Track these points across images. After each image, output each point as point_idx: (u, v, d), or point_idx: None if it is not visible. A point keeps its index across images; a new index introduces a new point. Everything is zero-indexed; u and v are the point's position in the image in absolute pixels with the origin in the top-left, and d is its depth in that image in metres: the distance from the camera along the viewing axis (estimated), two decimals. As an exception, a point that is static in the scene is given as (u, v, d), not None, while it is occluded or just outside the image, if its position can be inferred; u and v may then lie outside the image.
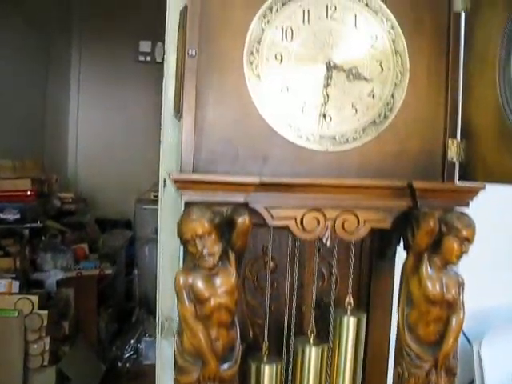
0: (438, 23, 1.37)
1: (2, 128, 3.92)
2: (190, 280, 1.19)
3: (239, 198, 1.20)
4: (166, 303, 1.70)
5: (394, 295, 1.53)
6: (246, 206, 1.21)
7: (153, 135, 4.81)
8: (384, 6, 1.33)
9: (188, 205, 1.19)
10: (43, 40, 4.76)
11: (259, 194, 1.21)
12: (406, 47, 1.34)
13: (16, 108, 4.17)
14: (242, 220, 1.16)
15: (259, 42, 1.26)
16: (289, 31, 1.28)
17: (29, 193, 3.62)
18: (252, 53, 1.26)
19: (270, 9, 1.27)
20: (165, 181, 1.58)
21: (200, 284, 1.19)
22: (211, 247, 1.16)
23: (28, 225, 3.56)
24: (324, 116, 1.29)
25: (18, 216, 3.50)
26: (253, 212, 1.21)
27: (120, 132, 5.10)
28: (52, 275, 3.49)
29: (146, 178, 4.55)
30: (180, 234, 1.17)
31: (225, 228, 1.20)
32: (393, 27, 1.33)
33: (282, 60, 1.27)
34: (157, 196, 4.75)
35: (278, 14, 1.27)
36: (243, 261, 1.33)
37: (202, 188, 1.18)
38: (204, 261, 1.17)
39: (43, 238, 3.72)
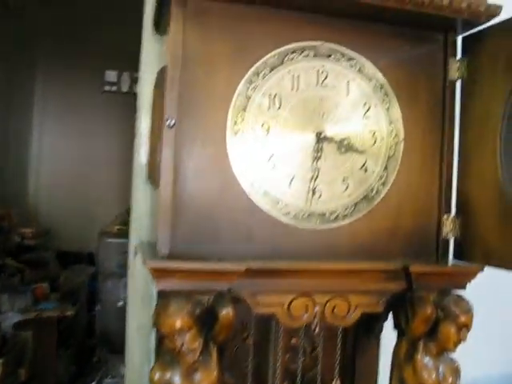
0: (434, 91, 1.29)
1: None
2: (168, 376, 1.07)
3: (223, 286, 1.08)
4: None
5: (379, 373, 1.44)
6: (228, 291, 1.10)
7: (117, 166, 4.69)
8: (378, 73, 1.23)
9: (164, 294, 1.06)
10: (6, 71, 4.58)
11: (244, 280, 1.09)
12: (400, 116, 1.25)
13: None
14: (226, 313, 1.05)
15: (245, 110, 1.15)
16: (277, 99, 1.17)
17: (-14, 229, 3.44)
18: (236, 122, 1.15)
19: (257, 74, 1.16)
20: (135, 248, 1.45)
21: (178, 381, 1.07)
22: (191, 343, 1.04)
23: (-16, 264, 3.37)
24: (313, 191, 1.19)
25: (-27, 255, 3.30)
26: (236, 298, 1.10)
27: (83, 163, 4.93)
28: (9, 318, 3.28)
29: (110, 210, 4.40)
30: (156, 327, 1.05)
31: (206, 318, 1.08)
32: (387, 95, 1.24)
33: (268, 130, 1.17)
34: (120, 229, 4.59)
35: (266, 79, 1.17)
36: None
37: (181, 276, 1.05)
38: (183, 357, 1.04)
39: (1, 276, 3.52)
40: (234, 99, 1.15)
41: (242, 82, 1.16)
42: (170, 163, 1.12)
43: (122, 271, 4.36)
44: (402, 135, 1.26)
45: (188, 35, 1.13)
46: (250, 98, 1.16)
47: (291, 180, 1.18)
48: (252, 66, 1.17)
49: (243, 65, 1.17)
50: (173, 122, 1.11)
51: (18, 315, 3.29)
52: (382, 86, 1.24)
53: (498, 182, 1.17)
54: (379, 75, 1.24)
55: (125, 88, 4.75)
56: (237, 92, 1.16)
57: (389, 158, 1.24)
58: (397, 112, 1.25)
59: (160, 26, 1.37)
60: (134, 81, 4.61)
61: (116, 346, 4.07)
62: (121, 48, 4.08)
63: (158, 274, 1.05)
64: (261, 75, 1.17)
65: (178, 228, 1.13)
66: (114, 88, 4.83)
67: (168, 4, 1.15)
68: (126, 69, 4.71)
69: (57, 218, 4.85)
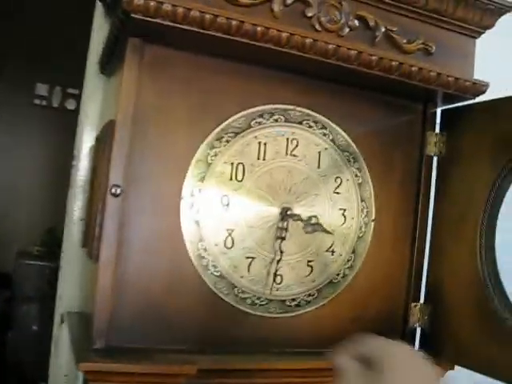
0: (409, 167, 1.18)
1: None
2: None
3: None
4: None
5: None
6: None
7: (41, 183, 4.40)
8: (352, 144, 1.11)
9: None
10: None
11: (194, 381, 0.93)
12: (372, 194, 1.13)
13: None
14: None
15: (203, 180, 1.00)
16: (240, 168, 1.02)
17: None
18: (193, 193, 0.99)
19: (220, 138, 1.01)
20: (62, 317, 1.25)
21: None
22: None
23: None
24: (274, 275, 1.04)
25: None
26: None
27: (6, 177, 4.58)
28: None
29: (28, 228, 4.10)
30: None
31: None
32: (360, 169, 1.12)
33: (228, 204, 1.01)
34: (40, 251, 4.28)
35: (229, 145, 1.02)
36: None
37: (121, 380, 0.88)
38: None
39: None
40: (191, 166, 1.00)
41: (202, 146, 1.01)
42: (113, 238, 0.94)
43: (39, 295, 4.06)
44: (373, 215, 1.13)
45: (142, 88, 0.97)
46: (210, 165, 1.00)
47: (250, 262, 1.03)
48: (214, 128, 1.02)
49: (204, 126, 1.01)
50: (119, 190, 0.93)
51: None
52: (355, 159, 1.12)
53: (477, 280, 1.06)
54: (353, 147, 1.12)
55: (56, 103, 4.46)
56: (195, 158, 1.00)
57: (358, 239, 1.12)
58: (369, 188, 1.13)
59: (107, 67, 1.19)
60: (66, 96, 4.34)
61: (28, 376, 3.80)
62: (52, 61, 3.84)
63: (92, 376, 0.87)
64: (224, 140, 1.02)
65: (119, 315, 0.96)
66: (45, 102, 4.52)
67: (121, 49, 0.98)
68: (58, 83, 4.42)
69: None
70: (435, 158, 1.19)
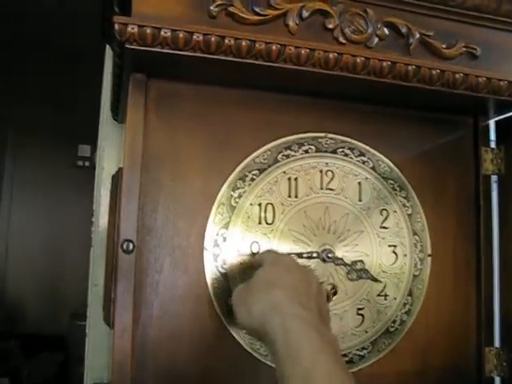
0: (465, 190, 1.02)
1: None
2: None
3: None
4: None
5: None
6: None
7: (88, 245, 4.36)
8: (396, 170, 0.97)
9: None
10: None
11: None
12: (426, 225, 0.98)
13: None
14: None
15: (227, 227, 0.87)
16: (269, 209, 0.89)
17: None
18: (217, 243, 0.86)
19: (243, 179, 0.88)
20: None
21: None
22: None
23: None
24: (320, 329, 0.89)
25: None
26: None
27: (55, 240, 4.59)
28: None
29: (82, 290, 4.04)
30: None
31: None
32: (408, 198, 0.97)
33: (259, 251, 0.88)
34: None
35: (255, 185, 0.89)
36: None
37: None
38: None
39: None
40: (213, 212, 0.87)
41: (224, 188, 0.88)
42: (129, 300, 0.82)
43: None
44: (428, 249, 0.98)
45: (150, 128, 0.86)
46: (234, 208, 0.87)
47: (290, 316, 0.88)
48: (236, 167, 0.89)
49: (224, 165, 0.89)
50: (131, 246, 0.81)
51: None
52: (401, 187, 0.97)
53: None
54: (397, 173, 0.97)
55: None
56: (217, 202, 0.88)
57: (414, 278, 0.96)
58: (421, 219, 0.98)
59: (117, 112, 1.09)
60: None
61: None
62: (93, 122, 3.83)
63: None
64: (248, 179, 0.89)
65: (139, 388, 0.82)
66: (87, 163, 4.55)
67: (125, 88, 0.88)
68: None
69: (26, 299, 4.48)
70: (494, 178, 1.03)
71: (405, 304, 0.96)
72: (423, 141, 1.01)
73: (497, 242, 1.02)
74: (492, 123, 1.05)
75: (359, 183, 0.95)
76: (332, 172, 0.93)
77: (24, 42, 4.14)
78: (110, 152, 1.20)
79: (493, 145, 1.04)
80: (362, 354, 0.93)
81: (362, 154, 0.95)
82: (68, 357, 4.17)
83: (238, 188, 0.88)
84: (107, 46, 1.19)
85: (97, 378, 1.14)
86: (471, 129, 1.05)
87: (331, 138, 0.94)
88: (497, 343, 1.01)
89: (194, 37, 0.76)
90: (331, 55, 0.82)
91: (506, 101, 0.95)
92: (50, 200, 4.59)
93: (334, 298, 0.90)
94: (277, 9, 0.82)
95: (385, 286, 0.94)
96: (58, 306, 4.40)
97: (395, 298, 0.95)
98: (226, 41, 0.78)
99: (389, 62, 0.85)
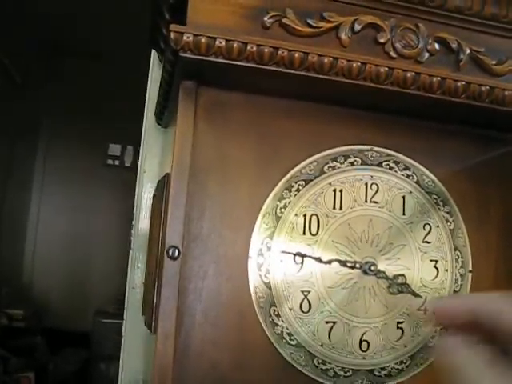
0: (509, 208, 1.01)
1: None
2: None
3: None
4: None
5: None
6: None
7: (116, 244, 4.41)
8: (440, 185, 0.96)
9: None
10: (6, 143, 4.38)
11: None
12: (467, 240, 0.97)
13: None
14: None
15: (272, 237, 0.87)
16: (313, 220, 0.89)
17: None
18: (261, 252, 0.87)
19: (289, 189, 0.89)
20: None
21: None
22: None
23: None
24: (360, 341, 0.89)
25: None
26: None
27: (82, 238, 4.65)
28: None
29: (107, 288, 4.13)
30: None
31: None
32: (451, 213, 0.97)
33: (303, 262, 0.88)
34: (118, 309, 4.26)
35: (300, 195, 0.89)
36: None
37: None
38: None
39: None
40: (258, 221, 0.88)
41: (270, 198, 0.89)
42: (172, 307, 0.82)
43: (117, 353, 4.00)
44: (469, 265, 0.97)
45: (199, 136, 0.87)
46: (279, 218, 0.88)
47: (331, 327, 0.89)
48: (282, 177, 0.90)
49: (271, 175, 0.90)
50: (176, 252, 0.82)
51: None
52: (445, 203, 0.97)
53: None
54: (441, 188, 0.97)
55: (128, 162, 4.53)
56: (262, 211, 0.88)
57: (454, 292, 0.96)
58: (463, 235, 0.97)
59: (163, 117, 1.10)
60: (138, 155, 4.39)
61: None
62: (124, 122, 3.90)
63: None
64: (294, 189, 0.89)
65: (180, 393, 0.83)
66: (117, 162, 4.60)
67: (174, 95, 0.89)
68: (129, 143, 4.51)
69: (52, 295, 4.55)
70: (538, 195, 1.02)
71: (445, 320, 0.95)
72: (468, 156, 1.01)
73: (539, 261, 1.01)
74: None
75: (403, 197, 0.95)
76: (377, 185, 0.93)
77: (65, 44, 4.23)
78: (153, 155, 1.21)
79: (537, 161, 1.03)
80: (400, 367, 0.93)
81: (406, 168, 0.95)
82: (92, 353, 4.21)
83: (284, 198, 0.89)
84: (153, 52, 1.20)
85: (131, 380, 1.16)
86: (515, 144, 1.04)
87: (377, 152, 0.94)
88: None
89: (248, 47, 0.77)
90: (382, 69, 0.82)
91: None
92: (79, 198, 4.66)
93: None
94: (330, 21, 0.82)
95: (425, 301, 0.94)
96: (83, 303, 4.46)
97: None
98: (280, 52, 0.78)
99: (439, 78, 0.85)
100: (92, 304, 4.35)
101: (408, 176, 0.96)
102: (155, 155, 1.24)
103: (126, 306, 1.18)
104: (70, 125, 4.53)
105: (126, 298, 1.18)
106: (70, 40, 4.22)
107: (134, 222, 1.19)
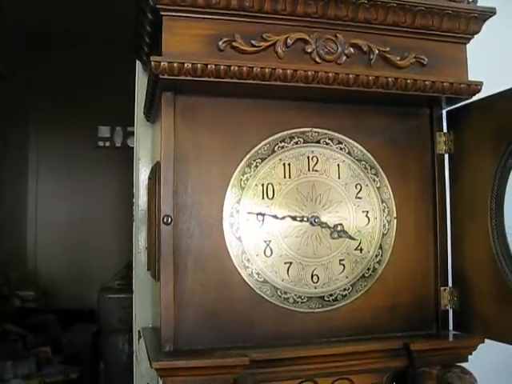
0: (424, 166, 1.32)
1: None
2: None
3: (228, 379, 1.09)
4: None
5: None
6: (234, 381, 1.10)
7: (113, 222, 4.70)
8: (367, 153, 1.27)
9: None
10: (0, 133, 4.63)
11: (249, 370, 1.10)
12: (391, 194, 1.28)
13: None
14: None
15: (239, 202, 1.18)
16: (269, 188, 1.20)
17: (-16, 298, 3.43)
18: (232, 214, 1.17)
19: (249, 166, 1.19)
20: (139, 332, 1.46)
21: None
22: None
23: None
24: (311, 276, 1.20)
25: (-27, 324, 3.29)
26: None
27: (80, 219, 4.92)
28: (13, 385, 3.27)
29: (109, 265, 4.37)
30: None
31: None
32: (377, 174, 1.27)
33: (263, 219, 1.19)
34: (121, 284, 4.53)
35: (258, 170, 1.19)
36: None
37: (187, 374, 1.06)
38: None
39: (3, 343, 3.50)
40: (228, 191, 1.18)
41: (235, 173, 1.19)
42: (169, 260, 1.13)
43: (123, 326, 4.33)
44: (394, 213, 1.28)
45: (178, 133, 1.16)
46: (243, 188, 1.18)
47: (288, 266, 1.20)
48: (244, 157, 1.19)
49: (235, 157, 1.20)
50: (169, 219, 1.13)
51: (22, 382, 3.26)
52: (372, 166, 1.27)
53: (492, 259, 1.19)
54: (368, 156, 1.27)
55: (118, 143, 4.79)
56: (230, 184, 1.18)
57: (383, 236, 1.27)
58: (388, 190, 1.28)
59: (150, 115, 1.40)
60: (127, 135, 4.64)
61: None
62: (112, 104, 4.11)
63: (164, 372, 1.06)
64: (253, 166, 1.19)
65: (181, 324, 1.14)
66: (108, 143, 4.87)
67: (158, 102, 1.18)
68: (118, 124, 4.76)
69: (57, 277, 4.81)
70: (446, 156, 1.32)
71: (376, 255, 1.26)
72: (390, 129, 1.30)
73: (448, 205, 1.31)
74: (444, 113, 1.34)
75: (338, 165, 1.25)
76: (317, 157, 1.23)
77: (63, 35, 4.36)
78: (144, 146, 1.51)
79: (445, 129, 1.33)
80: (344, 293, 1.24)
81: (340, 143, 1.25)
82: (100, 328, 4.51)
83: (246, 173, 1.19)
84: (137, 61, 1.49)
85: (143, 324, 1.47)
86: (428, 118, 1.33)
87: (315, 132, 1.24)
88: (449, 284, 1.31)
89: (208, 67, 1.07)
90: (310, 73, 1.12)
91: (450, 97, 1.24)
92: (74, 182, 4.90)
93: None
94: (268, 40, 1.12)
95: (360, 242, 1.25)
96: (87, 281, 4.69)
97: (369, 251, 1.26)
98: (232, 68, 1.08)
99: (354, 75, 1.15)
100: (96, 282, 4.59)
101: (341, 149, 1.26)
102: (146, 145, 1.54)
103: (134, 266, 1.49)
104: (58, 112, 4.73)
105: (134, 260, 1.49)
106: (57, 27, 4.30)
107: (134, 200, 1.50)
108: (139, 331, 1.46)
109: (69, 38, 4.44)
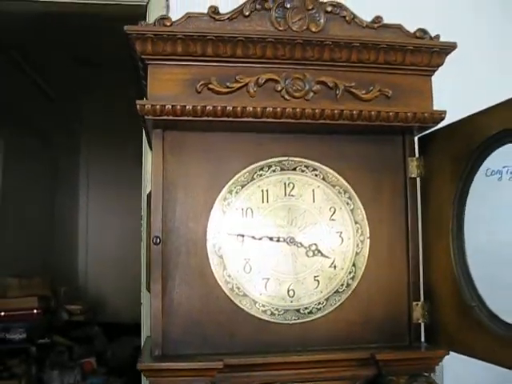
0: (396, 189, 1.43)
1: (12, 245, 4.01)
2: None
3: (206, 381, 1.22)
4: None
5: None
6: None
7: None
8: (341, 179, 1.39)
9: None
10: (52, 150, 4.93)
11: (225, 374, 1.24)
12: (365, 216, 1.40)
13: (26, 223, 4.28)
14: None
15: (221, 225, 1.32)
16: (249, 211, 1.34)
17: (35, 311, 3.68)
18: (215, 235, 1.32)
19: (230, 192, 1.34)
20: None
21: None
22: None
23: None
24: (287, 291, 1.34)
25: (24, 336, 3.54)
26: None
27: (130, 236, 5.13)
28: (59, 393, 3.49)
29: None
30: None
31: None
32: (350, 198, 1.39)
33: (243, 240, 1.33)
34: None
35: (238, 196, 1.34)
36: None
37: (169, 375, 1.21)
38: None
39: (50, 354, 3.74)
40: (211, 215, 1.33)
41: (218, 199, 1.34)
42: (158, 276, 1.29)
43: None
44: (367, 233, 1.39)
45: (167, 164, 1.32)
46: (225, 213, 1.33)
47: (266, 282, 1.33)
48: (225, 184, 1.34)
49: (218, 184, 1.35)
50: (158, 240, 1.29)
51: (68, 390, 3.48)
52: (345, 191, 1.39)
53: (453, 277, 1.29)
54: (342, 181, 1.39)
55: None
56: (213, 209, 1.33)
57: (356, 254, 1.38)
58: (361, 212, 1.40)
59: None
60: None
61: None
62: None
63: (148, 373, 1.21)
64: (234, 192, 1.34)
65: (169, 332, 1.29)
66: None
67: (150, 137, 1.35)
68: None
69: (105, 291, 5.06)
70: (418, 179, 1.43)
71: (350, 272, 1.38)
72: (363, 155, 1.42)
73: (420, 226, 1.42)
74: (415, 139, 1.45)
75: (313, 190, 1.38)
76: (293, 184, 1.37)
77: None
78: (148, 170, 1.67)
79: (416, 155, 1.44)
80: (318, 307, 1.36)
81: (314, 170, 1.39)
82: (143, 340, 4.70)
83: (227, 198, 1.34)
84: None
85: (148, 333, 1.63)
86: (401, 143, 1.44)
87: (292, 160, 1.38)
88: (421, 299, 1.41)
89: (187, 107, 1.23)
90: (278, 109, 1.26)
91: (415, 126, 1.35)
92: (123, 198, 5.12)
93: None
94: (240, 82, 1.27)
95: (334, 260, 1.37)
96: (133, 296, 4.88)
97: (342, 268, 1.38)
98: (208, 107, 1.23)
99: (320, 109, 1.28)
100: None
101: (316, 175, 1.39)
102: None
103: (142, 282, 1.66)
104: (106, 131, 4.99)
105: (142, 276, 1.65)
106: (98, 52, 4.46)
107: (141, 222, 1.67)
108: (147, 337, 1.62)
109: (119, 63, 4.64)
